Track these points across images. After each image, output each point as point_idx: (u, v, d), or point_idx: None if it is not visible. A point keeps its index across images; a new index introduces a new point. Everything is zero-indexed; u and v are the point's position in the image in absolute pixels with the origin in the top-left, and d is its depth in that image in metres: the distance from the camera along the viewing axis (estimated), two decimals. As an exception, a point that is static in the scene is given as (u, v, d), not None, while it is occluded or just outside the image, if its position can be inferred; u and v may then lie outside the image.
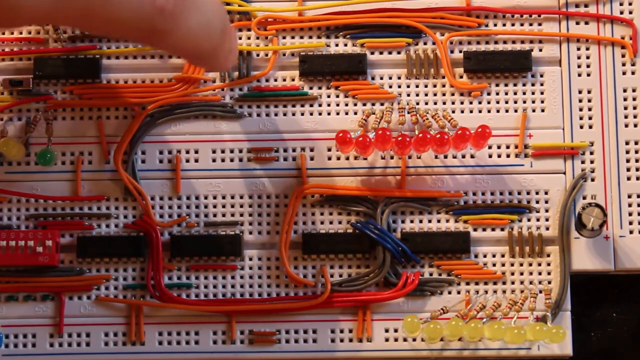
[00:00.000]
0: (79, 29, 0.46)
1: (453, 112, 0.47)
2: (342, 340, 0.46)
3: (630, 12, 0.47)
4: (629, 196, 0.46)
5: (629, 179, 0.46)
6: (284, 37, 0.48)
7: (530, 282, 0.46)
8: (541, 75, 0.47)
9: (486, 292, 0.46)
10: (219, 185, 0.47)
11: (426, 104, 0.47)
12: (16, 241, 0.45)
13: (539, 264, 0.46)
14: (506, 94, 0.47)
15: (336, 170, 0.47)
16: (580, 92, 0.47)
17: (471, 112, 0.47)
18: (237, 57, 0.43)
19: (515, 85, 0.47)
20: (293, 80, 0.47)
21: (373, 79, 0.47)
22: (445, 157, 0.46)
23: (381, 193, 0.46)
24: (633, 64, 0.47)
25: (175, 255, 0.46)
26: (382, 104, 0.47)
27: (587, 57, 0.47)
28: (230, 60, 0.41)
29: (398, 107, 0.46)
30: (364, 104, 0.47)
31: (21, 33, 0.47)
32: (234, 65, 0.46)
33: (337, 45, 0.47)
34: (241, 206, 0.46)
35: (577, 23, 0.47)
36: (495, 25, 0.47)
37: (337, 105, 0.47)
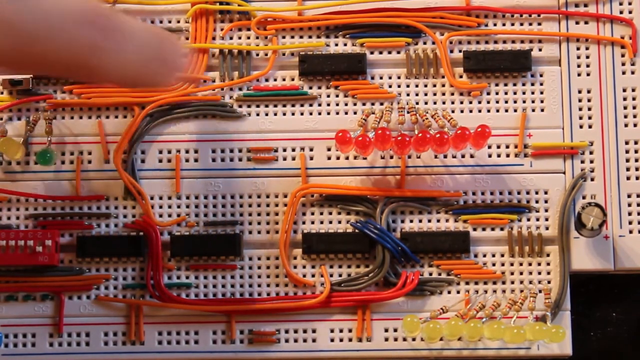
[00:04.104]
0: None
1: (453, 111, 0.47)
2: (341, 340, 0.46)
3: (630, 12, 0.47)
4: (629, 196, 0.46)
5: (628, 178, 0.46)
6: (283, 37, 0.48)
7: (530, 282, 0.46)
8: (541, 75, 0.47)
9: (486, 291, 0.46)
10: (219, 185, 0.47)
11: (426, 103, 0.47)
12: (16, 241, 0.45)
13: (539, 264, 0.46)
14: (506, 93, 0.47)
15: (336, 170, 0.47)
16: (580, 91, 0.47)
17: (471, 111, 0.47)
18: (184, 61, 0.42)
19: (514, 85, 0.47)
20: (293, 80, 0.47)
21: (373, 78, 0.47)
22: (445, 156, 0.46)
23: (381, 193, 0.46)
24: (633, 64, 0.47)
25: (174, 255, 0.46)
26: (381, 104, 0.47)
27: (587, 57, 0.47)
28: (176, 68, 0.39)
29: (398, 106, 0.46)
30: (364, 104, 0.47)
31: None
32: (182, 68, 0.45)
33: (336, 45, 0.47)
34: (241, 206, 0.46)
35: (577, 23, 0.47)
36: (495, 25, 0.47)
37: (337, 105, 0.47)
